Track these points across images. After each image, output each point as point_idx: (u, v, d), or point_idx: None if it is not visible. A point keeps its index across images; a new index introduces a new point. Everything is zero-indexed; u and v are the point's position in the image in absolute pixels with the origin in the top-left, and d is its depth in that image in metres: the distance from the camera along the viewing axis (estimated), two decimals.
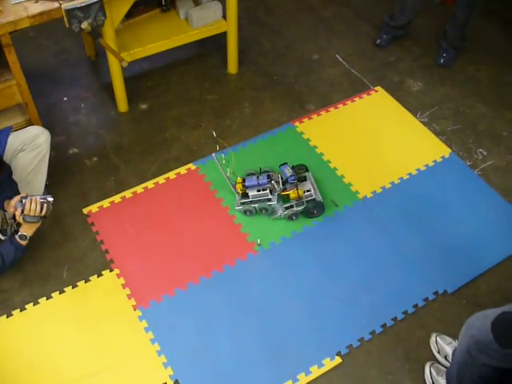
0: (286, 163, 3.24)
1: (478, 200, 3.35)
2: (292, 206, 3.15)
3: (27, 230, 2.83)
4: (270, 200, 3.16)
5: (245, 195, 3.19)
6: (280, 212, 3.17)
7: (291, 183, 3.16)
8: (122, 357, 2.72)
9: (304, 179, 3.24)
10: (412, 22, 4.26)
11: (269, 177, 3.17)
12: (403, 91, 3.99)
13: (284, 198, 3.19)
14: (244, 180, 3.21)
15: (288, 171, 3.17)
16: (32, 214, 2.76)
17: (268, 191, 3.15)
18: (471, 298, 2.96)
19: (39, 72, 4.05)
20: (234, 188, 3.21)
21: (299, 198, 3.13)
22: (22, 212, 2.76)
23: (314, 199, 3.16)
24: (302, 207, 3.16)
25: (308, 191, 3.18)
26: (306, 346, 2.76)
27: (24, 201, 2.76)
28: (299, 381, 2.66)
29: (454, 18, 3.96)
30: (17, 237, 2.82)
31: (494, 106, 3.91)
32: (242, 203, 3.19)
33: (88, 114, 3.80)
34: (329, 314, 2.86)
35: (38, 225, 2.85)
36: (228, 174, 3.18)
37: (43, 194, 2.92)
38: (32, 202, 2.76)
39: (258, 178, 3.17)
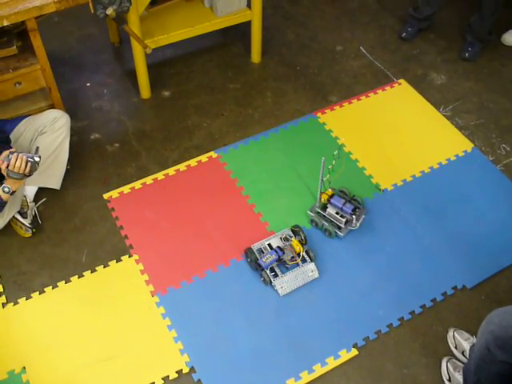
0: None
1: (500, 196, 3.32)
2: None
3: (11, 185, 2.83)
4: (339, 229, 3.09)
5: (323, 207, 3.13)
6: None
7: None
8: (139, 342, 2.73)
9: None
10: (436, 13, 4.22)
11: (354, 209, 3.06)
12: (427, 84, 3.96)
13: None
14: (332, 196, 3.11)
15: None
16: (16, 170, 2.76)
17: (344, 220, 3.06)
18: (490, 294, 2.94)
19: (63, 57, 4.07)
20: (320, 195, 3.13)
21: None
22: (8, 167, 2.77)
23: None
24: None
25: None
26: (322, 336, 2.76)
27: (10, 156, 2.76)
28: (315, 371, 2.66)
29: (481, 10, 3.91)
30: None
31: None
32: (317, 212, 3.14)
33: (111, 100, 3.81)
34: (346, 305, 2.86)
35: (21, 182, 2.86)
36: (324, 179, 3.08)
37: (34, 153, 2.90)
38: (18, 158, 2.75)
39: (345, 203, 3.06)
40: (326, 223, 3.08)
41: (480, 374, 2.33)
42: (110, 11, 3.05)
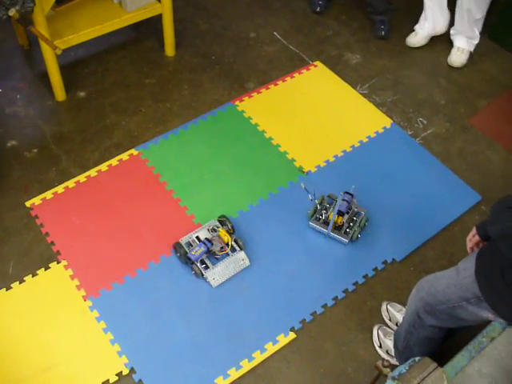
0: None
1: (421, 168, 3.40)
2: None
3: None
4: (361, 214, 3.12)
5: (338, 228, 3.08)
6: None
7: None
8: (76, 349, 2.68)
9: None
10: None
11: (346, 200, 3.08)
12: (342, 65, 4.01)
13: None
14: (341, 214, 3.04)
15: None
16: None
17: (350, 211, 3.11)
18: (418, 264, 3.01)
19: None
20: (333, 223, 3.05)
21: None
22: None
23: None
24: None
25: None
26: (259, 324, 2.78)
27: None
28: (255, 359, 2.67)
29: None
30: None
31: (430, 75, 3.96)
32: (346, 233, 3.07)
33: (25, 105, 3.71)
34: (280, 290, 2.88)
35: None
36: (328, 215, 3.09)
37: None
38: None
39: (341, 205, 3.04)
40: (356, 229, 3.04)
41: (409, 339, 2.40)
42: (12, 12, 2.95)
